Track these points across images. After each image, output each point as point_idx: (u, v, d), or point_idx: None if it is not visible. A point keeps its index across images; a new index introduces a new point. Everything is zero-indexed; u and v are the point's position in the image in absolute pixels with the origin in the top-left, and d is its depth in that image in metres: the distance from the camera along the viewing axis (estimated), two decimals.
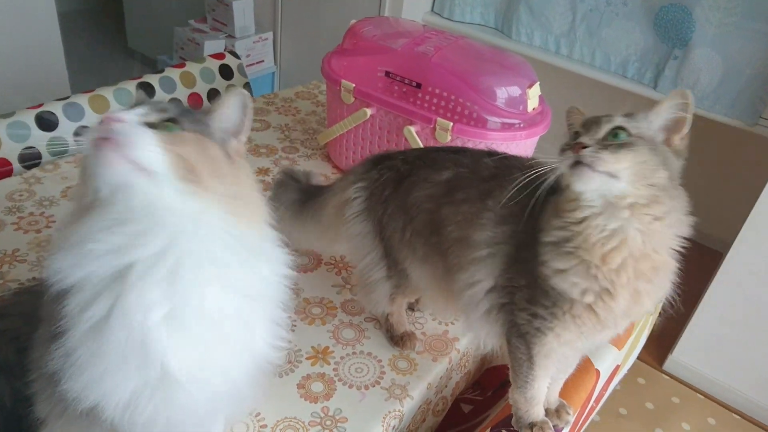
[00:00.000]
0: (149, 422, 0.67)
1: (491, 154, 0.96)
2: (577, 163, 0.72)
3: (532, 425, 0.87)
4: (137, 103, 0.67)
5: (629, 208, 0.73)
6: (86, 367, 0.63)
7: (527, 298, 0.81)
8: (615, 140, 0.73)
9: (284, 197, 1.16)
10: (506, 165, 0.91)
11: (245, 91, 0.69)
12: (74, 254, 0.61)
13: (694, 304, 2.14)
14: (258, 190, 0.71)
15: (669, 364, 2.27)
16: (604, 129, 0.75)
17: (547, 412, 0.91)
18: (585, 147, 0.72)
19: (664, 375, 2.27)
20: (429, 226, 0.93)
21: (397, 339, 1.06)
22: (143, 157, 0.59)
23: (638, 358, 2.29)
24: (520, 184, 0.77)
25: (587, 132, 0.76)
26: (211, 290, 0.63)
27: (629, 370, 2.22)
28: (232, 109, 0.70)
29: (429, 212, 0.93)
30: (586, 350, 0.92)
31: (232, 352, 0.68)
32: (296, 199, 1.15)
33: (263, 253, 0.69)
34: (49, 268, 0.61)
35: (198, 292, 0.62)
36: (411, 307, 1.15)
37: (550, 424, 0.88)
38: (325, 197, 1.11)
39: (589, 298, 0.75)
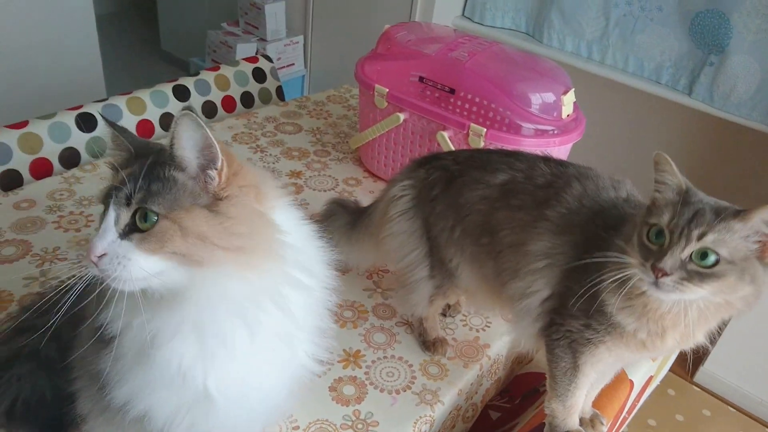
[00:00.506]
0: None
1: (546, 159, 0.95)
2: (657, 281, 0.69)
3: None
4: (104, 197, 0.63)
5: (698, 303, 0.71)
6: (132, 377, 0.66)
7: (583, 307, 0.79)
8: (702, 264, 0.67)
9: (335, 224, 1.16)
10: (563, 173, 0.90)
11: (189, 112, 0.59)
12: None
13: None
14: (260, 216, 0.65)
15: (700, 375, 2.23)
16: (691, 247, 0.68)
17: (581, 421, 0.91)
18: (666, 274, 0.67)
19: (695, 387, 2.23)
20: (480, 227, 0.93)
21: (429, 344, 1.07)
22: (141, 273, 0.59)
23: (670, 369, 2.26)
24: (599, 282, 0.75)
25: (671, 236, 0.69)
26: (239, 334, 0.64)
27: (659, 381, 2.19)
28: (186, 138, 0.61)
29: (481, 214, 0.93)
30: (626, 362, 0.92)
31: (271, 372, 0.70)
32: (347, 221, 1.16)
33: (289, 281, 0.67)
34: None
35: (224, 339, 0.64)
36: (443, 313, 1.15)
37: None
38: (374, 206, 1.11)
39: (641, 336, 0.76)
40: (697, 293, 0.68)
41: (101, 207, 0.64)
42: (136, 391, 0.65)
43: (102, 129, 1.55)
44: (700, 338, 0.77)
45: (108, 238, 0.59)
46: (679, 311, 0.72)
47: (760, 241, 0.68)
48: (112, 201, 0.60)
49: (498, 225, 0.91)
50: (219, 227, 0.60)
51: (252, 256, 0.62)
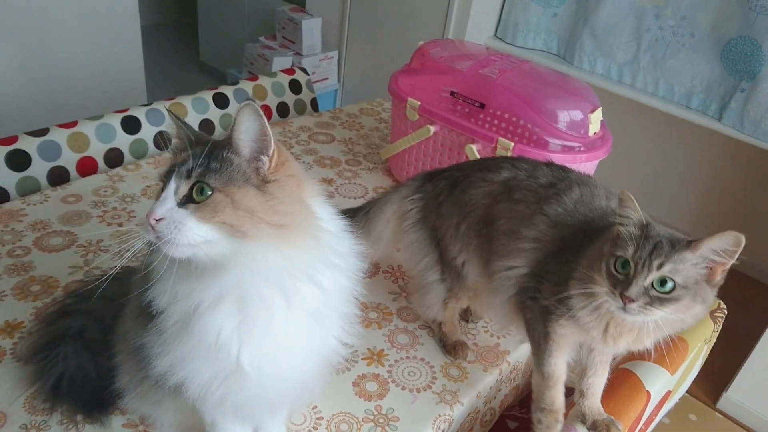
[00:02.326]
0: (219, 402, 0.73)
1: (548, 163, 1.03)
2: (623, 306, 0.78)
3: (543, 409, 0.92)
4: (166, 174, 0.68)
5: (656, 320, 0.80)
6: (174, 348, 0.71)
7: (555, 291, 0.88)
8: (661, 290, 0.76)
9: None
10: (565, 177, 0.98)
11: (251, 103, 0.66)
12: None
13: (753, 343, 2.09)
14: (301, 201, 0.71)
15: (723, 402, 2.21)
16: (652, 276, 0.76)
17: (595, 424, 0.93)
18: (633, 301, 0.77)
19: (717, 413, 2.21)
20: (483, 219, 1.01)
21: (450, 347, 1.10)
22: (194, 239, 0.65)
23: (691, 393, 2.23)
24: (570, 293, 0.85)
25: (635, 267, 0.77)
26: (278, 308, 0.69)
27: (681, 406, 2.17)
28: (246, 126, 0.67)
29: (485, 207, 1.01)
30: (607, 353, 0.96)
31: (303, 349, 0.74)
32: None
33: (324, 260, 0.72)
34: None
35: (263, 307, 0.68)
36: (465, 318, 1.18)
37: (561, 416, 0.92)
38: (380, 205, 1.16)
39: (596, 334, 0.86)
40: (657, 315, 0.77)
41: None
42: (175, 363, 0.70)
43: (145, 132, 1.63)
44: (648, 345, 0.86)
45: (167, 205, 0.65)
46: (641, 324, 0.81)
47: (707, 267, 0.77)
48: (174, 174, 0.66)
49: (498, 215, 0.99)
50: (265, 204, 0.67)
51: (292, 234, 0.68)
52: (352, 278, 0.76)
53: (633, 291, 0.76)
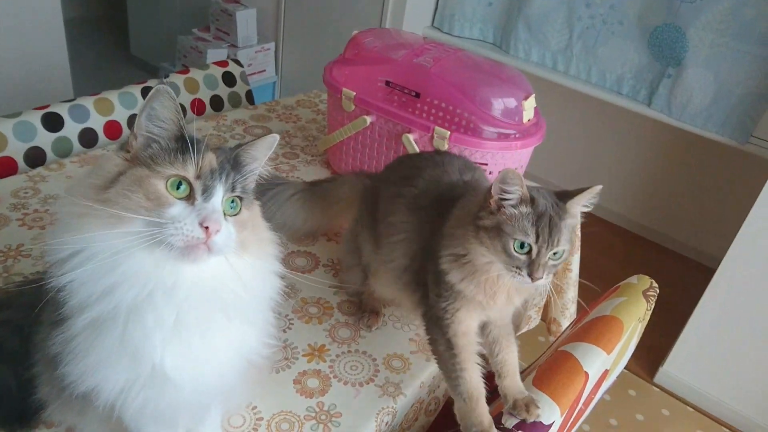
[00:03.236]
0: (140, 410, 0.69)
1: (438, 151, 1.15)
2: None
3: None
4: (210, 175, 0.65)
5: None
6: (83, 356, 0.66)
7: (434, 280, 0.93)
8: (555, 261, 0.85)
9: (285, 194, 1.26)
10: (429, 159, 1.07)
11: (276, 135, 0.73)
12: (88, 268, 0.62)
13: (685, 318, 2.18)
14: (259, 214, 0.75)
15: (660, 376, 2.30)
16: (550, 253, 0.84)
17: (515, 404, 0.90)
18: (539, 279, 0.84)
19: (654, 387, 2.30)
20: (375, 206, 1.09)
21: (361, 313, 1.15)
22: (224, 251, 0.64)
23: (629, 369, 2.31)
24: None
25: (539, 250, 0.83)
26: (217, 315, 0.67)
27: (620, 382, 2.24)
28: (266, 153, 0.73)
29: (378, 196, 1.09)
30: (503, 325, 0.99)
31: (224, 352, 0.71)
32: (298, 192, 1.27)
33: (259, 266, 0.72)
34: (52, 246, 0.62)
35: (203, 317, 0.66)
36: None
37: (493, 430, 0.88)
38: (329, 185, 1.28)
39: (479, 297, 0.90)
40: (550, 278, 0.86)
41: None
42: (89, 366, 0.65)
43: (68, 129, 1.55)
44: (518, 302, 0.94)
45: (221, 216, 0.64)
46: (503, 281, 0.88)
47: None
48: (220, 182, 0.64)
49: (380, 201, 1.07)
50: (255, 222, 0.71)
51: (259, 247, 0.71)
52: (274, 286, 0.74)
53: (541, 271, 0.83)
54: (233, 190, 0.66)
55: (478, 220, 0.86)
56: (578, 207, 0.87)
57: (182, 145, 0.65)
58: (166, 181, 0.62)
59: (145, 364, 0.64)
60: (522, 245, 0.83)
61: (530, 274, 0.83)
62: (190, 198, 0.63)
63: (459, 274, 0.89)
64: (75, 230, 0.61)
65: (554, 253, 0.84)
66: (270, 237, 0.74)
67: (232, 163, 0.68)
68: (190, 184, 0.63)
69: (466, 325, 0.93)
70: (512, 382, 0.94)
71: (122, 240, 0.60)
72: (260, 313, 0.73)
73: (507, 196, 0.84)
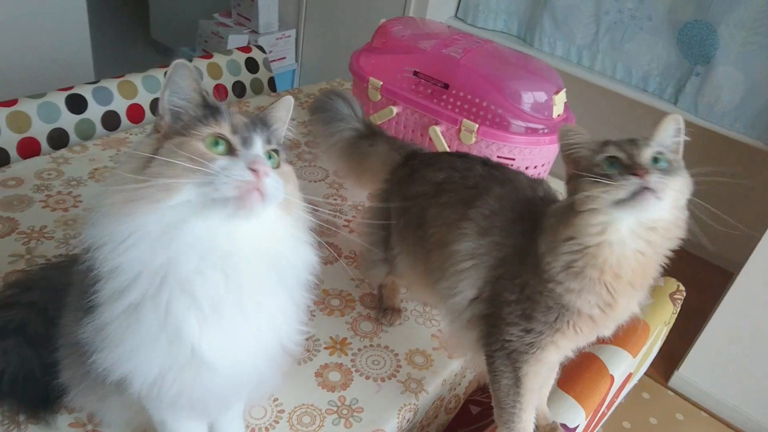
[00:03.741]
0: (175, 398, 0.68)
1: (485, 162, 0.99)
2: (642, 190, 0.70)
3: None
4: (245, 128, 0.66)
5: (656, 231, 0.74)
6: (117, 343, 0.65)
7: (519, 313, 0.81)
8: (659, 166, 0.73)
9: (340, 128, 1.21)
10: (490, 176, 0.94)
11: (290, 97, 0.74)
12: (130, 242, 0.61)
13: (704, 323, 2.14)
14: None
15: (675, 380, 2.27)
16: (648, 153, 0.73)
17: (538, 428, 0.88)
18: (648, 171, 0.70)
19: (669, 391, 2.27)
20: (417, 221, 0.98)
21: (382, 310, 1.11)
22: (275, 198, 0.63)
23: (645, 373, 2.29)
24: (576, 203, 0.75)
25: (629, 156, 0.73)
26: (272, 280, 0.67)
27: (635, 386, 2.22)
28: (286, 114, 0.74)
29: (420, 208, 0.97)
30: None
31: (260, 336, 0.70)
32: (350, 137, 1.20)
33: (300, 236, 0.71)
34: (96, 237, 0.62)
35: (257, 284, 0.66)
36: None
37: None
38: (366, 152, 1.18)
39: (595, 311, 0.78)
40: (674, 185, 0.72)
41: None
42: (123, 354, 0.64)
43: (92, 111, 1.54)
44: (636, 305, 0.80)
45: (266, 161, 0.64)
46: (639, 257, 0.75)
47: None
48: (255, 133, 0.65)
49: (429, 221, 0.95)
50: (294, 182, 0.71)
51: (294, 207, 0.70)
52: (306, 269, 0.71)
53: (644, 157, 0.72)
54: (269, 142, 0.67)
55: (570, 187, 0.78)
56: (664, 142, 0.78)
57: (209, 110, 0.67)
58: (205, 141, 0.64)
59: (184, 348, 0.63)
60: (611, 162, 0.74)
61: (635, 173, 0.70)
62: (231, 152, 0.64)
63: (576, 283, 0.76)
64: (124, 216, 0.60)
65: (654, 159, 0.73)
66: (304, 205, 0.73)
67: (260, 122, 0.70)
68: (227, 141, 0.64)
69: (544, 364, 0.83)
70: (540, 408, 0.92)
71: (173, 213, 0.60)
72: (301, 290, 0.72)
73: (573, 147, 0.80)
